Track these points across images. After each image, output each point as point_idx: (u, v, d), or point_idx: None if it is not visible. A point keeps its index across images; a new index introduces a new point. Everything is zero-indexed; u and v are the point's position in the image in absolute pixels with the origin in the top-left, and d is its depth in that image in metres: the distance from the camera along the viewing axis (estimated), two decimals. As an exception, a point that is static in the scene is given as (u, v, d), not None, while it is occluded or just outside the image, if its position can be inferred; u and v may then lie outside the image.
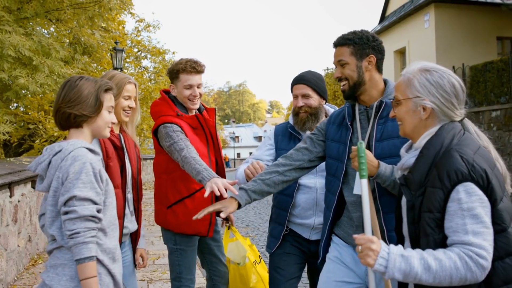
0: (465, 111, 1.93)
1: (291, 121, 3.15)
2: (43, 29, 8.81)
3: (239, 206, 2.56)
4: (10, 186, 5.52)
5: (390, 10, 20.57)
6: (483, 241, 1.64)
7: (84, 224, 1.94)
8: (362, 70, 2.45)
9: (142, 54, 18.47)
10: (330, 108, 3.20)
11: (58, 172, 2.02)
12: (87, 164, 1.99)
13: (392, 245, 1.72)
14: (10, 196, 5.58)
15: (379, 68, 2.50)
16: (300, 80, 3.07)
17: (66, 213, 1.95)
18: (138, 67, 18.30)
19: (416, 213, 1.79)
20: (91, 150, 2.10)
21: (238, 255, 3.45)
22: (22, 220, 6.04)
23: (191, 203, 3.09)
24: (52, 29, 9.18)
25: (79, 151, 2.03)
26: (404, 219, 1.94)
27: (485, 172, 1.70)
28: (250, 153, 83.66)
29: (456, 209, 1.68)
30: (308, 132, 3.09)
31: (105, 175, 2.08)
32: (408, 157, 1.93)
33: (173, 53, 18.52)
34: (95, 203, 1.99)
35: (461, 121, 1.92)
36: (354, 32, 2.51)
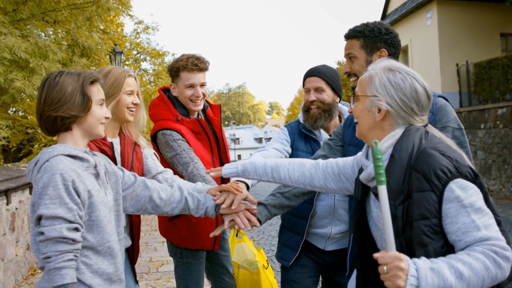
0: (428, 118, 1.79)
1: (301, 119, 2.90)
2: (40, 32, 8.62)
3: (260, 223, 2.37)
4: (6, 193, 5.31)
5: (391, 8, 20.36)
6: (496, 232, 1.53)
7: (55, 247, 1.67)
8: None
9: (142, 57, 18.28)
10: (343, 107, 2.97)
11: (34, 185, 1.78)
12: (56, 176, 1.71)
13: (415, 259, 1.49)
14: (7, 204, 5.37)
15: None
16: (313, 72, 2.83)
17: (38, 234, 1.71)
18: (138, 69, 18.10)
19: (400, 224, 1.60)
20: (73, 156, 1.83)
21: (246, 258, 3.23)
22: (20, 228, 5.83)
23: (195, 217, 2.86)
24: (50, 31, 8.98)
25: (53, 161, 1.76)
26: (377, 235, 1.78)
27: (469, 167, 1.59)
28: (251, 155, 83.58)
29: (458, 208, 1.54)
30: (323, 133, 2.85)
31: (83, 186, 1.78)
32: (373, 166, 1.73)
33: (173, 54, 18.33)
34: (67, 221, 1.70)
35: (424, 127, 1.77)
36: (366, 24, 2.36)
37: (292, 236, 2.83)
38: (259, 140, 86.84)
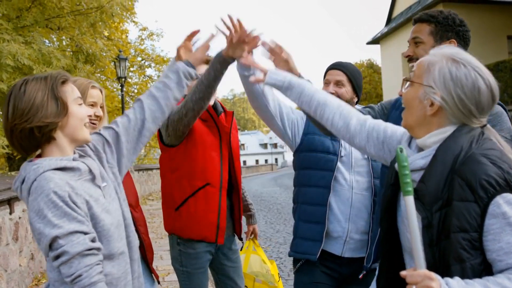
0: (486, 120, 1.58)
1: None
2: (44, 38, 8.60)
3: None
4: (9, 202, 5.21)
5: (396, 12, 20.29)
6: None
7: (83, 262, 1.54)
8: None
9: (146, 63, 18.31)
10: (362, 110, 2.84)
11: (29, 209, 1.62)
12: (51, 196, 1.57)
13: (448, 280, 1.35)
14: (10, 213, 5.27)
15: None
16: (337, 65, 2.70)
17: (55, 257, 1.56)
18: (142, 76, 18.11)
19: (435, 233, 1.44)
20: (61, 169, 1.67)
21: (261, 271, 3.12)
22: (24, 238, 5.73)
23: (194, 203, 2.75)
24: (54, 38, 8.95)
25: (41, 180, 1.60)
26: (402, 229, 1.64)
27: None
28: (257, 161, 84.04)
29: (503, 226, 1.37)
30: None
31: (80, 199, 1.64)
32: (414, 158, 1.56)
33: (177, 61, 18.35)
34: (84, 233, 1.58)
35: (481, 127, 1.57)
36: (441, 11, 2.22)
37: (312, 227, 2.62)
38: (264, 145, 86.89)
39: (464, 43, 2.20)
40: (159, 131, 2.85)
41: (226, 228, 2.85)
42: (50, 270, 1.68)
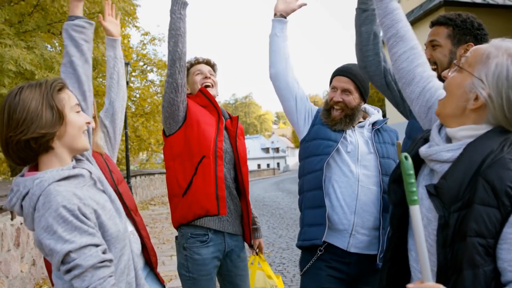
0: None
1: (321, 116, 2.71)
2: (46, 43, 8.61)
3: None
4: (11, 207, 5.19)
5: (398, 16, 20.30)
6: None
7: (97, 274, 1.51)
8: (455, 57, 2.11)
9: (148, 68, 18.33)
10: (370, 108, 2.82)
11: (36, 225, 1.57)
12: (61, 211, 1.51)
13: None
14: (12, 219, 5.25)
15: None
16: (345, 72, 2.67)
17: (67, 271, 1.52)
18: (144, 80, 18.13)
19: (450, 233, 1.37)
20: (65, 178, 1.63)
21: (265, 285, 3.08)
22: (26, 244, 5.70)
23: (196, 180, 2.75)
24: (56, 43, 8.96)
25: (48, 196, 1.55)
26: (416, 231, 1.55)
27: None
28: (258, 165, 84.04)
29: None
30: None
31: (89, 209, 1.60)
32: (440, 148, 1.48)
33: (179, 65, 18.38)
34: (95, 245, 1.54)
35: None
36: (459, 14, 2.21)
37: (316, 212, 2.58)
38: (266, 150, 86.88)
39: None
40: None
41: (228, 209, 2.82)
42: (57, 277, 1.65)
